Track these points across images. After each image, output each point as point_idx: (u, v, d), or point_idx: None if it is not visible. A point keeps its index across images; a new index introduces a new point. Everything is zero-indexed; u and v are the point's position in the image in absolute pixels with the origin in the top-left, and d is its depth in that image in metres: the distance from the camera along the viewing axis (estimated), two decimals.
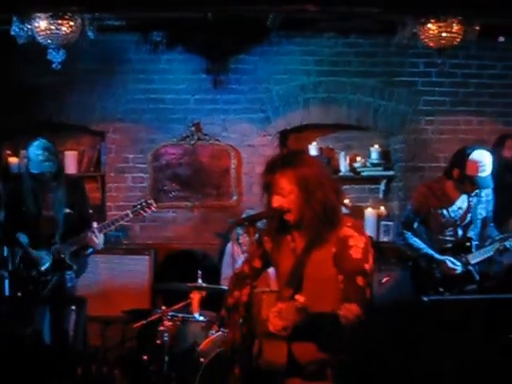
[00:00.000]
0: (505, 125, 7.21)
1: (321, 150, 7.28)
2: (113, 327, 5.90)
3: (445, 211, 5.33)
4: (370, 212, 7.25)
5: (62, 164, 6.88)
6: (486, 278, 5.47)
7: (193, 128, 7.03)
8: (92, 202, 6.38)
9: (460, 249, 5.35)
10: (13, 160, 7.02)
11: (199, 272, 5.41)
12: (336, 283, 3.11)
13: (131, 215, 5.45)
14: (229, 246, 6.25)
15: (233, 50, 6.95)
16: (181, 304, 5.41)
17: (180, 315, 5.31)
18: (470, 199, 5.33)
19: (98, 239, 5.28)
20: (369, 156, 7.30)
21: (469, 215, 5.36)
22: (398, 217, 6.77)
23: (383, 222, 7.25)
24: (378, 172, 7.29)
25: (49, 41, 5.50)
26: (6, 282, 5.20)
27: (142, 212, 5.48)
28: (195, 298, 5.34)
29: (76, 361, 5.45)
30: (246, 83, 7.07)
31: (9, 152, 7.11)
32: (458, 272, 5.28)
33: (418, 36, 5.78)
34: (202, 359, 4.78)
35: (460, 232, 5.39)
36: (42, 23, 5.44)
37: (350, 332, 2.96)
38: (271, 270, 3.55)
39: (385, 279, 6.08)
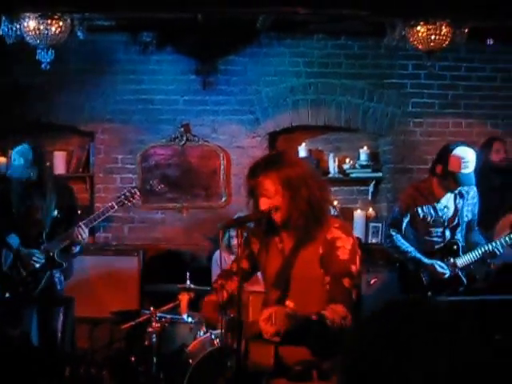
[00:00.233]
0: (493, 127, 7.25)
1: (310, 151, 7.29)
2: (101, 328, 5.90)
3: (432, 210, 5.33)
4: (358, 213, 7.27)
5: (51, 167, 6.88)
6: (473, 281, 5.49)
7: (182, 129, 7.02)
8: (80, 203, 6.38)
9: (447, 252, 5.36)
10: (1, 160, 6.99)
11: (188, 273, 5.40)
12: (322, 284, 3.12)
13: (116, 206, 5.41)
14: (216, 253, 6.21)
15: (222, 51, 6.96)
16: (169, 305, 5.40)
17: (168, 316, 5.29)
18: (457, 201, 5.34)
19: (85, 234, 5.27)
20: (358, 158, 7.31)
21: (456, 218, 5.37)
22: (386, 218, 6.78)
23: (372, 224, 7.26)
24: (367, 174, 7.31)
25: (38, 41, 5.48)
26: None
27: (126, 202, 5.45)
28: (184, 299, 5.33)
29: (64, 362, 5.43)
30: (235, 84, 7.07)
31: None
32: (446, 276, 5.29)
33: (407, 38, 5.80)
34: (190, 360, 4.78)
35: (448, 234, 5.40)
36: (31, 23, 5.43)
37: (337, 333, 2.97)
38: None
39: (373, 281, 6.09)
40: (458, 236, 5.40)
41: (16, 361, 4.77)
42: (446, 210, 5.34)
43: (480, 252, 5.33)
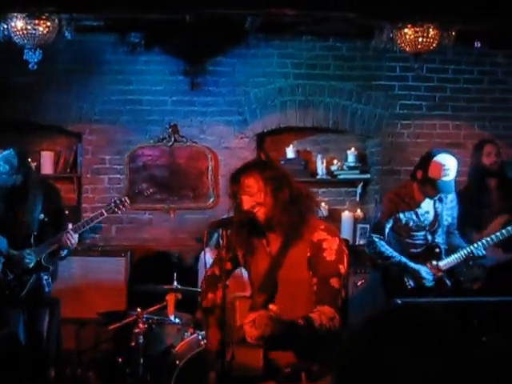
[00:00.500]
0: (480, 129, 7.28)
1: (298, 152, 7.30)
2: (88, 329, 5.88)
3: (414, 215, 5.33)
4: (346, 215, 7.28)
5: (38, 167, 6.86)
6: (459, 284, 5.50)
7: (170, 130, 7.01)
8: (68, 203, 6.36)
9: (430, 255, 5.36)
10: None
11: (175, 274, 5.40)
12: (310, 286, 3.13)
13: (106, 214, 5.40)
14: (201, 255, 6.21)
15: (211, 52, 6.95)
16: (156, 306, 5.39)
17: (155, 317, 5.29)
18: (436, 205, 5.35)
19: (74, 239, 5.25)
20: (345, 159, 7.32)
21: (437, 222, 5.38)
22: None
23: (360, 225, 7.28)
24: (355, 175, 7.32)
25: (25, 41, 5.47)
26: None
27: (116, 210, 5.45)
28: (171, 300, 5.32)
29: (50, 363, 5.41)
30: (223, 85, 7.07)
31: None
32: (430, 283, 5.29)
33: (395, 41, 5.82)
34: (177, 361, 4.78)
35: (429, 237, 5.41)
36: (18, 23, 5.41)
37: (326, 335, 2.98)
38: (245, 273, 3.56)
39: (360, 282, 6.10)
40: (439, 239, 5.42)
41: (2, 361, 4.75)
42: (426, 215, 5.35)
43: (462, 254, 5.35)
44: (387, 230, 5.39)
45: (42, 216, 5.29)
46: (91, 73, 6.94)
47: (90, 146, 7.02)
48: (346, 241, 6.88)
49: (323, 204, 7.19)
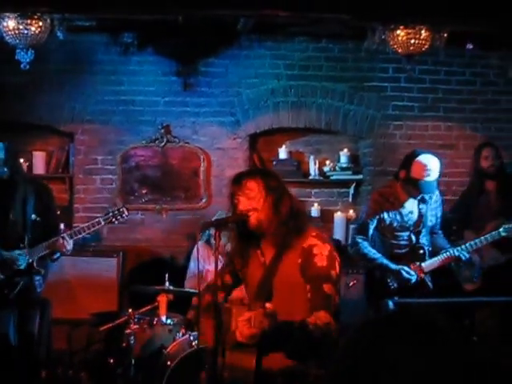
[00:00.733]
0: (472, 130, 7.30)
1: (290, 153, 7.30)
2: (79, 330, 5.86)
3: (398, 215, 5.35)
4: (339, 216, 7.29)
5: (31, 167, 6.85)
6: (440, 287, 5.50)
7: (162, 130, 7.00)
8: (60, 204, 6.35)
9: (414, 256, 5.37)
10: None
11: (167, 275, 5.39)
12: (304, 293, 3.13)
13: (103, 223, 5.36)
14: (194, 249, 6.23)
15: (203, 53, 6.95)
16: (148, 307, 5.38)
17: (147, 318, 5.28)
18: (421, 206, 5.37)
19: (69, 245, 5.22)
20: (338, 160, 7.33)
21: (421, 223, 5.40)
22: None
23: (352, 226, 7.28)
24: (347, 176, 7.33)
25: (17, 41, 5.46)
26: None
27: (113, 220, 5.41)
28: (162, 300, 5.32)
29: (41, 364, 5.40)
30: (216, 86, 7.07)
31: None
32: (412, 282, 5.30)
33: (387, 42, 5.83)
34: (168, 362, 4.76)
35: (413, 238, 5.42)
36: (10, 23, 5.40)
37: (320, 339, 2.98)
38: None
39: (352, 283, 6.11)
40: (424, 240, 5.43)
41: None
42: (410, 215, 5.37)
43: (445, 256, 5.35)
44: (371, 231, 5.40)
45: (33, 216, 5.26)
46: (83, 73, 6.94)
47: (83, 146, 7.01)
48: (338, 242, 6.91)
49: (316, 205, 7.21)
